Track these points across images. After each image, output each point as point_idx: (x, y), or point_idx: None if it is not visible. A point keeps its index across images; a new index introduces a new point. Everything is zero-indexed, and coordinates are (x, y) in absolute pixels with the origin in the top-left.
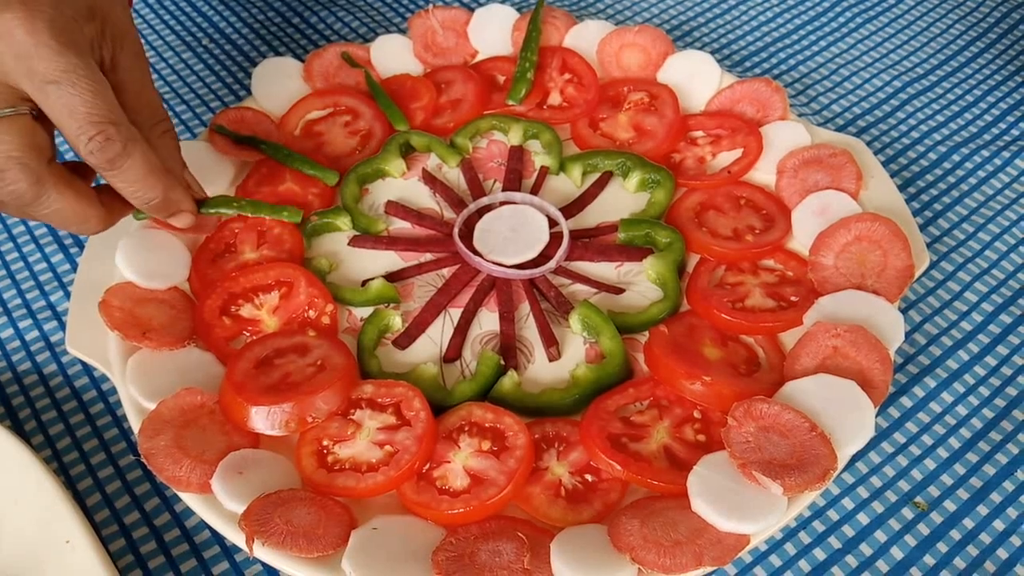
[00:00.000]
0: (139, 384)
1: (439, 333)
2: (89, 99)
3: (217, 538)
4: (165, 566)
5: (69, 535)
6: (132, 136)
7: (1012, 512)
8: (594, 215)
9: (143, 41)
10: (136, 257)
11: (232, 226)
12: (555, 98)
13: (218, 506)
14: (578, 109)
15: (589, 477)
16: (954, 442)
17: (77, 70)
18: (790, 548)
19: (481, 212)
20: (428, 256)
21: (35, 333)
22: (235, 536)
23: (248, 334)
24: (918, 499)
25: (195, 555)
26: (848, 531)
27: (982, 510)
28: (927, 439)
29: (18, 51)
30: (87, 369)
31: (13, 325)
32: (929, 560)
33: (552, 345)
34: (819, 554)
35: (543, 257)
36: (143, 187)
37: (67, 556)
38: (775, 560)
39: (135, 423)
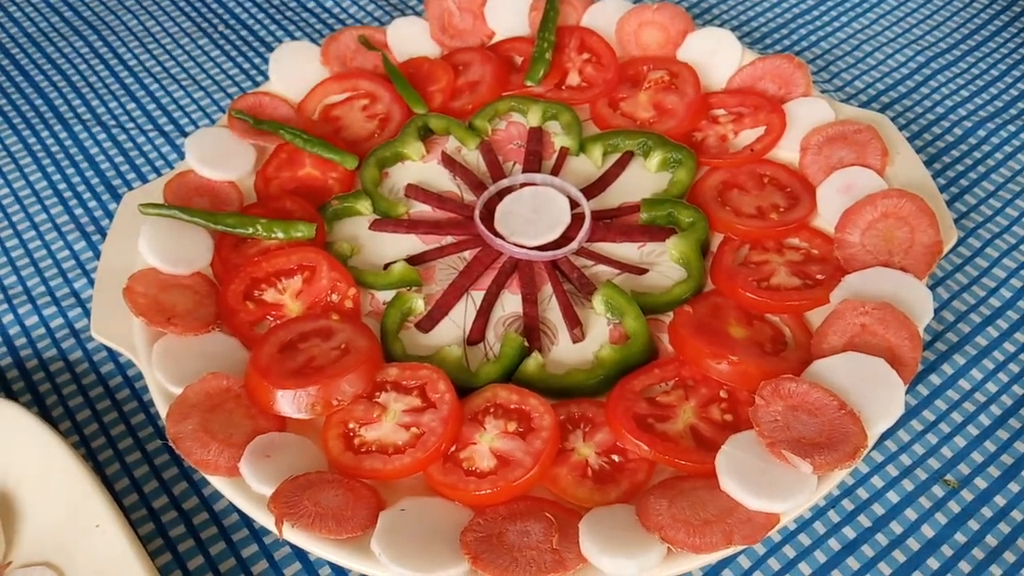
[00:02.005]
0: (165, 369)
1: (462, 316)
2: None
3: (246, 521)
4: (194, 549)
5: (99, 520)
6: None
7: None
8: (616, 195)
9: (160, 29)
10: (159, 243)
11: (252, 211)
12: (574, 78)
13: (246, 489)
14: (597, 89)
15: (616, 458)
16: (984, 419)
17: None
18: (819, 527)
19: (502, 194)
20: (449, 239)
21: (60, 320)
22: (264, 519)
23: (272, 318)
24: (948, 477)
25: (224, 538)
26: (878, 509)
27: (1013, 487)
28: (956, 416)
29: None
30: (112, 355)
31: (38, 313)
32: (960, 538)
33: (576, 326)
34: (849, 532)
35: (565, 238)
36: None
37: (97, 540)
38: (804, 539)
39: (162, 408)
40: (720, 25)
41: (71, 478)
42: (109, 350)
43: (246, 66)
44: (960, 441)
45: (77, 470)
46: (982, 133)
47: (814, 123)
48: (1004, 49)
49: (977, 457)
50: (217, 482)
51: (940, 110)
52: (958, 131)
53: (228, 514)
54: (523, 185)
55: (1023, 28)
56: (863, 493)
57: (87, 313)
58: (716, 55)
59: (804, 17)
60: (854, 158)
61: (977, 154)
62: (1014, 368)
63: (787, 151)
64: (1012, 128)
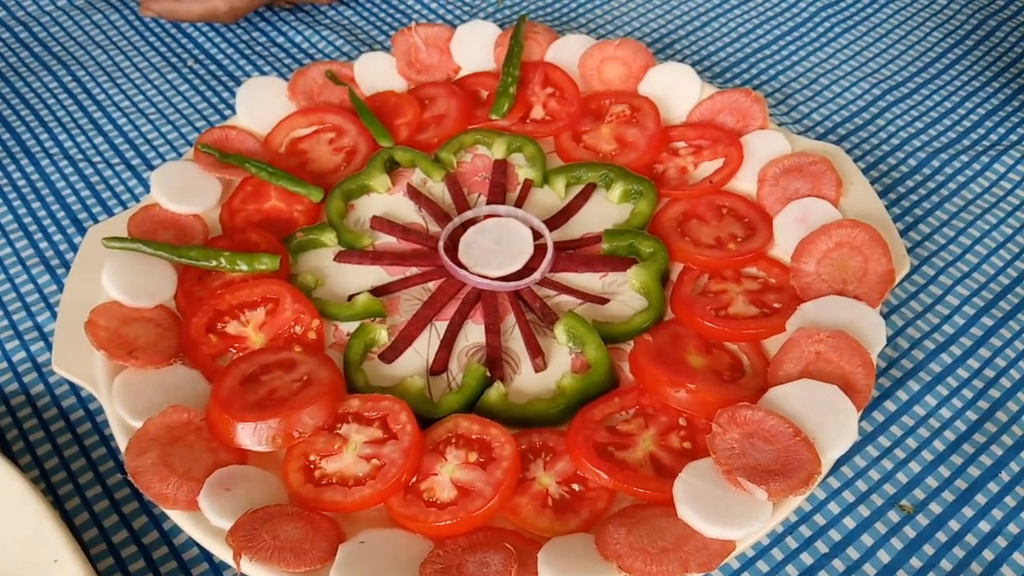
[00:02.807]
0: (125, 402)
1: (425, 346)
2: None
3: (205, 555)
4: None
5: (56, 555)
6: None
7: (997, 513)
8: (578, 227)
9: (129, 63)
10: (122, 276)
11: (217, 244)
12: (538, 112)
13: (205, 523)
14: (561, 122)
15: (576, 487)
16: (938, 445)
17: None
18: (777, 553)
19: (466, 226)
20: (414, 270)
21: (22, 353)
22: (223, 552)
23: (234, 351)
24: (904, 502)
25: (183, 573)
26: (835, 535)
27: (967, 512)
28: (911, 442)
29: None
30: (74, 388)
31: (0, 346)
32: (916, 563)
33: (538, 356)
34: (806, 559)
35: (528, 269)
36: None
37: None
38: (762, 566)
39: (122, 441)
40: (680, 60)
41: (28, 512)
42: (71, 384)
43: (214, 100)
44: (915, 467)
45: (36, 504)
46: (935, 164)
47: (771, 155)
48: (956, 83)
49: (932, 482)
50: (176, 516)
51: (895, 142)
52: (912, 162)
53: (188, 548)
54: (487, 216)
55: (974, 62)
56: (820, 519)
57: (50, 347)
58: (676, 89)
59: (763, 52)
60: (809, 189)
61: (931, 184)
62: (967, 394)
63: (745, 182)
64: (964, 159)
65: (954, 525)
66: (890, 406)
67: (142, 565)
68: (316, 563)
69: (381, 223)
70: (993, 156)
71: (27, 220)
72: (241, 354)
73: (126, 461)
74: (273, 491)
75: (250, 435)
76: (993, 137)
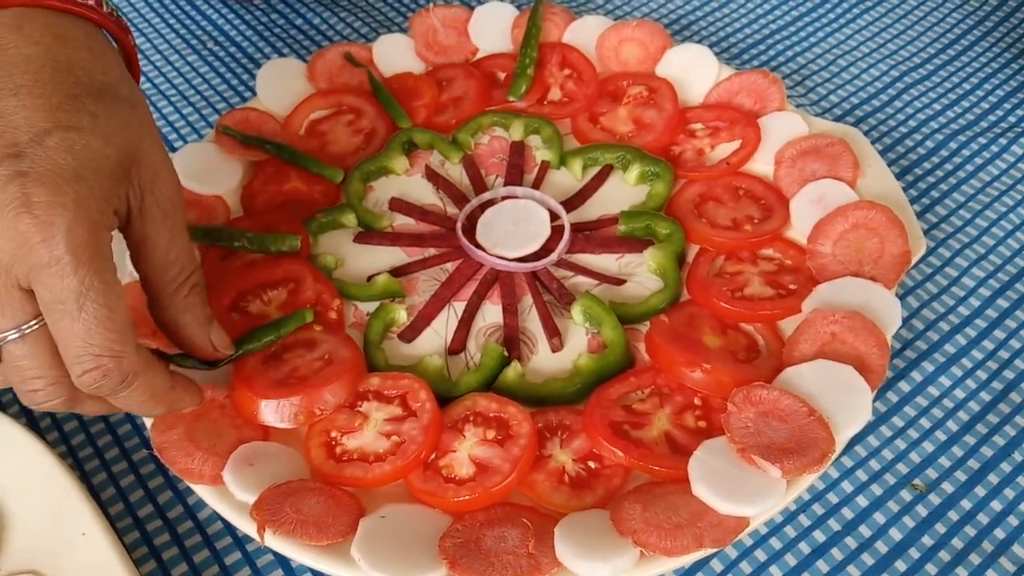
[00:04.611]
0: None
1: (443, 326)
2: (92, 329)
3: (229, 529)
4: (179, 557)
5: (84, 528)
6: (133, 368)
7: (1009, 493)
8: (595, 208)
9: (150, 46)
10: None
11: (239, 225)
12: (555, 93)
13: (230, 497)
14: (578, 104)
15: (592, 464)
16: (952, 425)
17: (89, 292)
18: (790, 531)
19: (483, 207)
20: (432, 251)
21: None
22: (247, 526)
23: None
24: (916, 481)
25: (208, 546)
26: (847, 513)
27: (980, 491)
28: (925, 422)
29: (34, 262)
30: None
31: None
32: (928, 541)
33: (555, 336)
34: (819, 536)
35: (545, 250)
36: (142, 410)
37: (83, 548)
38: (775, 543)
39: (147, 418)
40: (698, 41)
41: (58, 487)
42: None
43: (234, 82)
44: (928, 446)
45: (64, 479)
46: (954, 145)
47: (788, 137)
48: (975, 64)
49: (945, 462)
50: (201, 490)
51: (913, 123)
52: (930, 143)
53: (212, 522)
54: (504, 198)
55: (995, 42)
56: (833, 497)
57: None
58: (694, 71)
59: (780, 33)
60: (826, 171)
61: (949, 166)
62: (981, 375)
63: (762, 164)
64: (982, 140)
65: (966, 504)
66: (904, 387)
67: (167, 538)
68: (338, 536)
69: (400, 204)
70: (1011, 138)
71: None
72: None
73: (152, 437)
74: (295, 467)
75: (273, 412)
76: (1012, 119)
